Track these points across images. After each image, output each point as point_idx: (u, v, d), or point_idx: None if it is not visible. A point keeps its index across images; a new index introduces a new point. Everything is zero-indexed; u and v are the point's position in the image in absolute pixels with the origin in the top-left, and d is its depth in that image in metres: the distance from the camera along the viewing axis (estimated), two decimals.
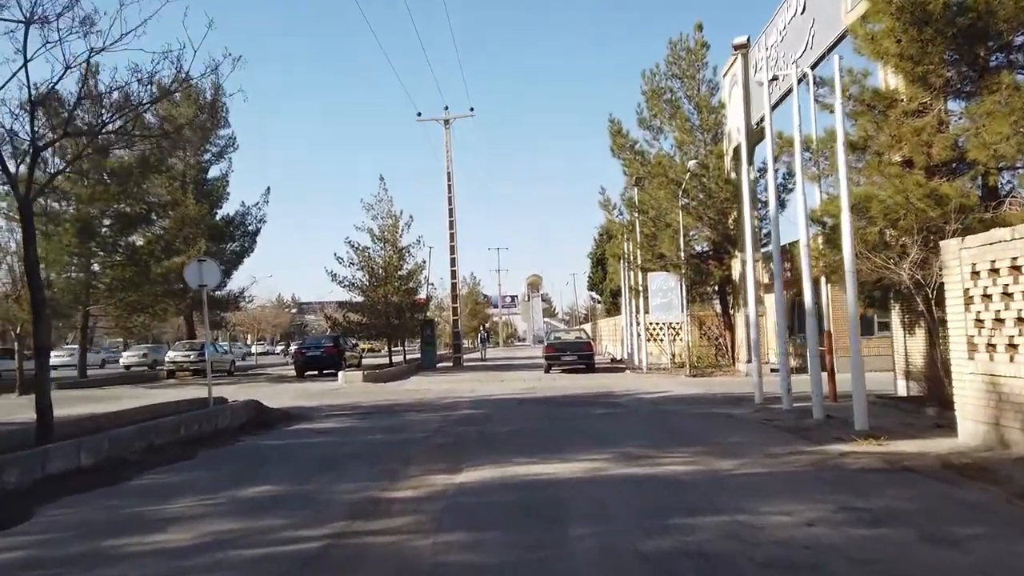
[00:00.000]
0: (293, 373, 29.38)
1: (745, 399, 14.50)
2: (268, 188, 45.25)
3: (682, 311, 24.36)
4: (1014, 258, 7.53)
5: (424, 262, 33.81)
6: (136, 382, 27.48)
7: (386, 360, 33.59)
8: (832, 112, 13.09)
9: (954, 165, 11.74)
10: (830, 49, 14.80)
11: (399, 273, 30.95)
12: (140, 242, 29.31)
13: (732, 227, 23.51)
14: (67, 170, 18.47)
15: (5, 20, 7.97)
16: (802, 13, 16.63)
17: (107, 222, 27.45)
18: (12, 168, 9.15)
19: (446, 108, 35.04)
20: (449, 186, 34.21)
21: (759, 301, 15.79)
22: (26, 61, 8.58)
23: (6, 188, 10.07)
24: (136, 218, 28.36)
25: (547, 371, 26.37)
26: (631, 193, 26.85)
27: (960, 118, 11.69)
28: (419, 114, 35.56)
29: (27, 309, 24.50)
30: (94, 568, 4.84)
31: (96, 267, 27.85)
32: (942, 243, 9.32)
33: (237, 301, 37.87)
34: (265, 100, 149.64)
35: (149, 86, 8.91)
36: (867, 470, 7.29)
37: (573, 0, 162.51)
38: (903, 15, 10.74)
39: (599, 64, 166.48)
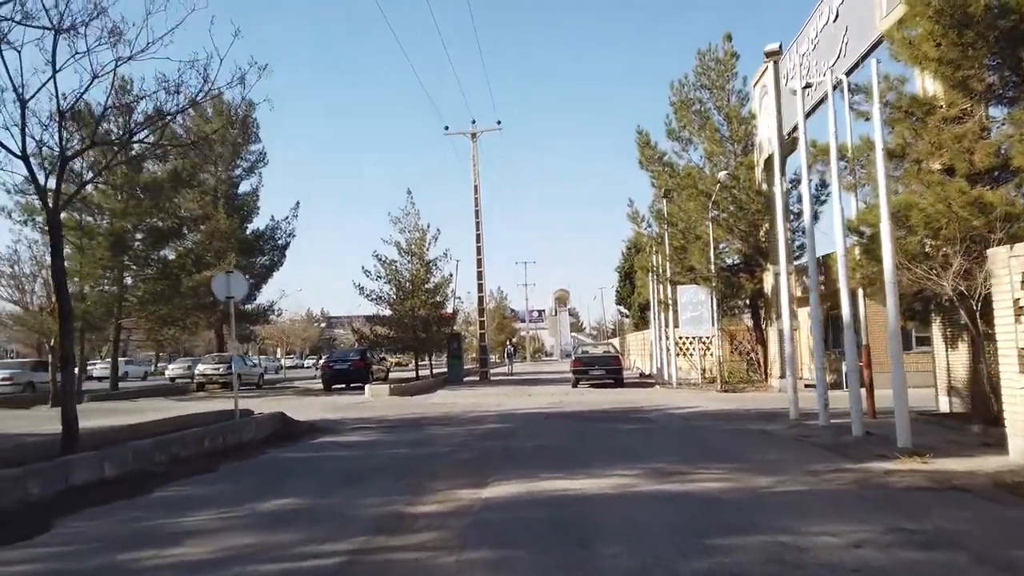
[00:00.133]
0: (320, 386, 29.40)
1: (779, 415, 14.09)
2: (297, 203, 45.82)
3: (713, 325, 23.94)
4: None
5: (451, 275, 33.78)
6: (166, 395, 27.68)
7: (413, 374, 33.50)
8: (868, 119, 12.77)
9: (997, 173, 11.34)
10: (864, 56, 14.47)
11: (426, 286, 30.88)
12: (171, 256, 29.66)
13: (764, 239, 23.10)
14: (95, 180, 18.68)
15: (34, 27, 8.00)
16: (835, 21, 16.33)
17: (139, 236, 27.80)
18: (41, 179, 9.17)
19: (473, 122, 35.14)
20: (476, 199, 34.19)
21: (792, 315, 15.38)
22: (55, 71, 8.64)
23: (39, 201, 10.07)
24: (168, 232, 28.70)
25: (575, 386, 26.05)
26: (660, 205, 26.54)
27: (1003, 124, 11.30)
28: (447, 128, 35.67)
29: (73, 322, 25.04)
30: None
31: (128, 280, 28.20)
32: (990, 251, 8.93)
33: (266, 314, 38.16)
34: (289, 108, 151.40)
35: (176, 95, 8.93)
36: (914, 489, 6.93)
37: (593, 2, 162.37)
38: (943, 18, 10.42)
39: (629, 73, 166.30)
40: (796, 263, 20.39)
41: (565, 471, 8.32)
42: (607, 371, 26.22)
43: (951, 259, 10.63)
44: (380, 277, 30.43)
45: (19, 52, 8.55)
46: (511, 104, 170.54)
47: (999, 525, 5.60)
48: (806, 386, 18.34)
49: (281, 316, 46.26)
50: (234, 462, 9.83)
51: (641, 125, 26.85)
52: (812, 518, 5.84)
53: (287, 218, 35.81)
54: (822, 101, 16.26)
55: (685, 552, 4.97)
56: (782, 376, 20.88)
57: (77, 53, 8.82)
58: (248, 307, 35.35)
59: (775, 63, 19.05)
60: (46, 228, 24.76)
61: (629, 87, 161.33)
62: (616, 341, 55.62)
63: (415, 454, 10.42)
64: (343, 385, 28.90)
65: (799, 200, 23.10)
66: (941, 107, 11.62)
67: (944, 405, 13.09)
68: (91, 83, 8.57)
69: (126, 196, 26.49)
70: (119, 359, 50.75)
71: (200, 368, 31.29)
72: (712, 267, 23.08)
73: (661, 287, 28.84)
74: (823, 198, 22.15)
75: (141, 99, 9.03)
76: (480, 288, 35.56)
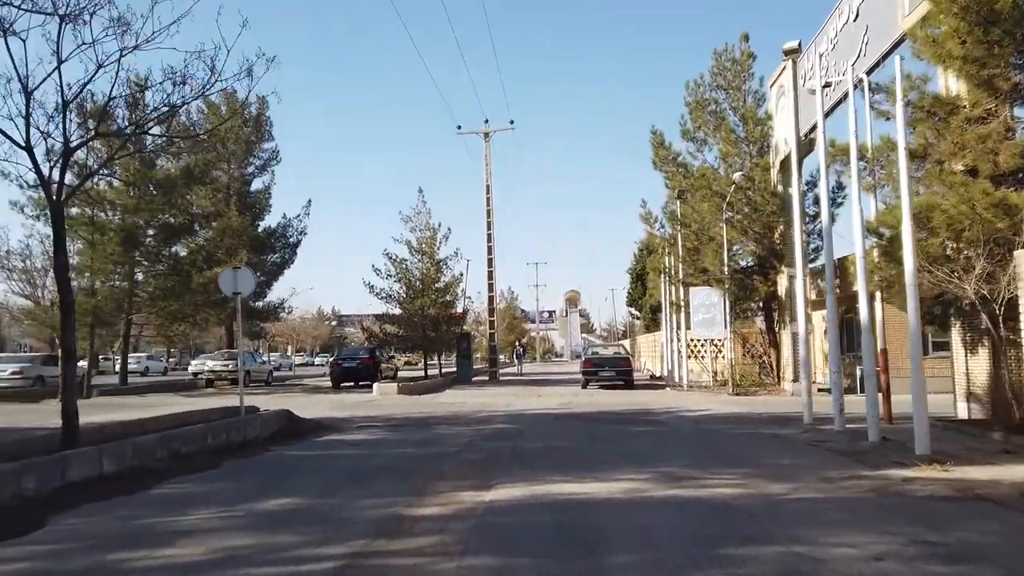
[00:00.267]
0: (329, 384, 29.33)
1: (793, 419, 13.82)
2: (309, 200, 45.61)
3: (725, 327, 23.65)
4: None
5: (461, 275, 33.60)
6: (176, 390, 27.66)
7: (422, 373, 33.38)
8: (888, 119, 12.49)
9: (1022, 175, 11.05)
10: (885, 56, 14.21)
11: (436, 285, 30.74)
12: (183, 252, 29.64)
13: (778, 241, 22.78)
14: (100, 173, 18.57)
15: (38, 12, 7.87)
16: (855, 20, 16.04)
17: (151, 232, 27.79)
18: (46, 171, 9.05)
19: (486, 121, 34.98)
20: (488, 199, 34.00)
21: (807, 318, 15.09)
22: (60, 61, 8.51)
23: (43, 193, 9.94)
24: (180, 228, 28.68)
25: (584, 387, 25.82)
26: (673, 206, 26.26)
27: None
28: (459, 127, 35.53)
29: (75, 316, 25.07)
30: None
31: (139, 276, 28.20)
32: (1016, 252, 8.65)
33: (276, 312, 38.11)
34: (294, 107, 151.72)
35: (182, 87, 8.78)
36: (935, 498, 6.66)
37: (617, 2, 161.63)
38: (968, 15, 10.15)
39: (642, 74, 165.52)
40: (811, 266, 20.09)
41: (573, 474, 8.11)
42: (617, 372, 25.98)
43: (973, 262, 10.35)
44: (390, 275, 30.36)
45: (24, 41, 8.45)
46: (518, 104, 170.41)
47: None
48: (819, 390, 18.03)
49: (291, 314, 46.34)
50: (237, 459, 9.68)
51: (656, 126, 26.46)
52: (829, 527, 5.60)
53: (299, 216, 35.78)
54: (840, 101, 15.99)
55: (697, 562, 4.75)
56: (795, 380, 20.58)
57: (83, 44, 8.71)
58: (258, 304, 35.30)
59: (793, 61, 18.76)
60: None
61: (636, 87, 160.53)
62: (627, 343, 55.29)
63: (420, 454, 10.23)
64: (352, 383, 28.82)
65: (814, 203, 22.82)
66: (964, 107, 11.34)
67: (962, 411, 12.79)
68: (96, 73, 8.44)
69: (138, 192, 26.47)
70: (141, 354, 51.33)
71: (209, 364, 31.28)
72: (725, 269, 22.79)
73: (673, 289, 28.56)
74: (839, 200, 21.85)
75: (146, 89, 8.89)
76: (490, 288, 35.39)
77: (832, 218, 18.90)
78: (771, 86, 23.08)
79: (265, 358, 42.60)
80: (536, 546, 5.25)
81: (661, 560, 4.83)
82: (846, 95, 14.16)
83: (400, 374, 34.82)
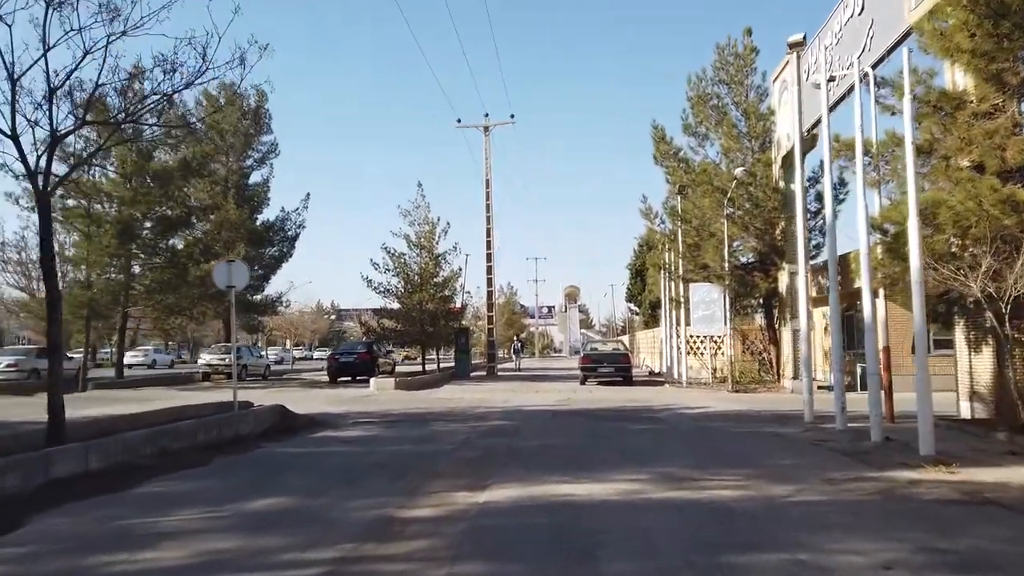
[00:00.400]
0: (327, 379, 29.16)
1: (793, 417, 13.64)
2: (308, 194, 45.26)
3: (725, 324, 23.45)
4: None
5: (460, 269, 33.35)
6: (172, 384, 27.48)
7: (420, 368, 33.19)
8: (893, 114, 12.28)
9: None
10: (890, 50, 13.99)
11: (434, 280, 30.48)
12: (180, 245, 29.39)
13: (779, 238, 22.57)
14: (90, 162, 18.31)
15: None
16: (860, 14, 15.80)
17: (148, 224, 27.57)
18: (33, 161, 8.84)
19: (486, 115, 34.68)
20: (487, 193, 33.75)
21: (808, 315, 14.89)
22: (47, 48, 8.30)
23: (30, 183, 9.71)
24: (177, 221, 28.44)
25: (583, 383, 25.64)
26: (674, 202, 26.02)
27: None
28: (459, 120, 35.29)
29: (66, 309, 24.78)
30: None
31: (136, 269, 27.98)
32: None
33: (274, 305, 37.88)
34: (293, 99, 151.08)
35: (172, 75, 8.56)
36: (943, 502, 6.47)
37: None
38: (978, 8, 9.93)
39: (642, 74, 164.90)
40: (812, 262, 19.89)
41: (570, 474, 7.92)
42: (616, 368, 25.80)
43: (980, 259, 10.15)
44: (388, 270, 30.10)
45: (10, 27, 8.23)
46: (519, 104, 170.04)
47: None
48: (819, 387, 17.86)
49: (289, 307, 46.08)
50: (227, 456, 9.49)
51: (658, 120, 26.14)
52: (834, 532, 5.41)
53: (297, 209, 35.48)
54: (844, 96, 15.75)
55: (698, 570, 4.56)
56: (795, 377, 20.40)
57: (71, 30, 8.50)
58: (256, 298, 35.09)
59: (797, 55, 18.51)
60: (51, 214, 24.72)
61: (636, 87, 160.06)
62: (626, 339, 55.14)
63: (415, 451, 10.04)
64: (349, 378, 28.66)
65: (816, 199, 22.62)
66: (971, 102, 11.14)
67: (965, 411, 12.61)
68: (83, 59, 8.22)
69: (135, 184, 26.24)
70: (148, 347, 51.23)
71: (206, 358, 31.14)
72: (726, 265, 22.58)
73: (673, 285, 28.35)
74: (841, 197, 21.58)
75: (135, 77, 8.67)
76: (489, 283, 35.15)
77: (835, 214, 18.70)
78: (774, 81, 22.82)
79: (263, 352, 42.42)
80: (531, 551, 5.06)
81: (660, 567, 4.65)
82: (850, 90, 13.94)
83: (400, 369, 34.66)
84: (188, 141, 28.05)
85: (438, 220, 30.97)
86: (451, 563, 4.73)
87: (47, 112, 8.57)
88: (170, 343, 59.65)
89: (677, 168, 25.32)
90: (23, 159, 8.55)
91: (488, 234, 33.66)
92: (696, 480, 7.57)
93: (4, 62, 8.22)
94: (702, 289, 24.03)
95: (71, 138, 11.86)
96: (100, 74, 8.29)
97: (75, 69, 8.29)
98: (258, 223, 34.68)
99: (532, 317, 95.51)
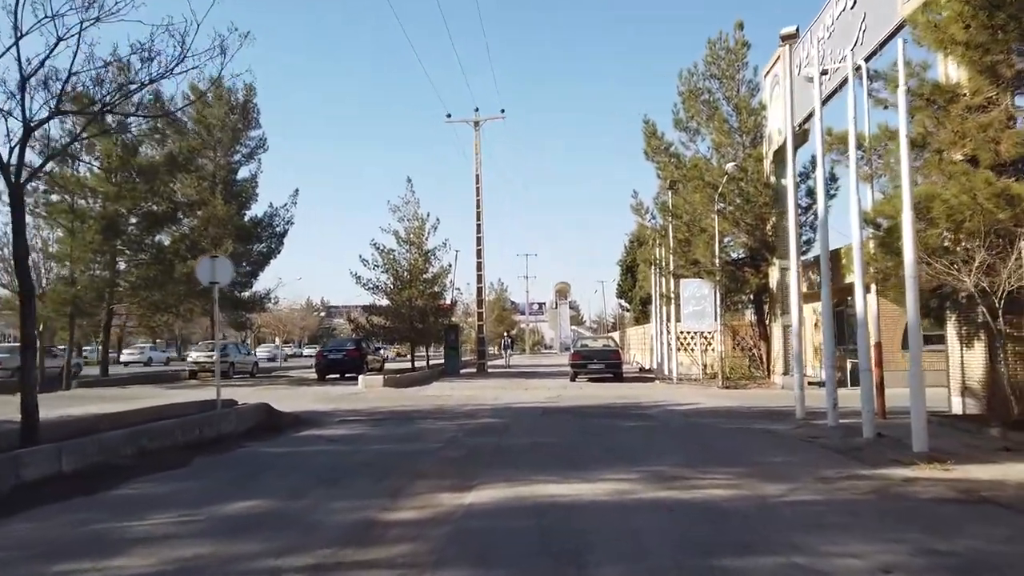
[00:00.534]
0: (315, 376, 28.89)
1: (784, 414, 13.52)
2: (296, 190, 44.90)
3: (715, 320, 23.35)
4: None
5: (450, 266, 33.12)
6: (158, 382, 27.16)
7: (409, 365, 32.95)
8: (886, 107, 12.14)
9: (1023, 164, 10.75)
10: (883, 43, 13.88)
11: (424, 276, 30.24)
12: (166, 241, 29.02)
13: (770, 233, 22.46)
14: (66, 153, 17.94)
15: None
16: (852, 7, 15.66)
17: (133, 220, 27.18)
18: (6, 153, 8.58)
19: (476, 110, 34.54)
20: (477, 188, 33.52)
21: (799, 311, 14.76)
22: (19, 36, 8.04)
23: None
24: (163, 217, 28.06)
25: (573, 379, 25.48)
26: (665, 197, 25.90)
27: None
28: (449, 115, 34.96)
29: (49, 307, 24.49)
30: None
31: (121, 265, 27.61)
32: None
33: (263, 302, 37.53)
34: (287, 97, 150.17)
35: (149, 63, 8.31)
36: (939, 501, 6.33)
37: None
38: None
39: (641, 74, 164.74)
40: (803, 258, 19.79)
41: (558, 473, 7.74)
42: (606, 365, 25.67)
43: (973, 254, 10.04)
44: (378, 266, 29.84)
45: None
46: (518, 104, 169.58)
47: None
48: (809, 383, 17.76)
49: (278, 304, 45.72)
50: (208, 456, 9.26)
51: (649, 116, 26.12)
52: (829, 534, 5.25)
53: (285, 205, 35.08)
54: (837, 90, 15.63)
55: (690, 574, 4.39)
56: (785, 373, 20.30)
57: (45, 17, 8.23)
58: (244, 295, 34.72)
59: (790, 48, 18.37)
60: (34, 209, 24.35)
61: (629, 87, 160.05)
62: (616, 335, 55.06)
63: (401, 450, 9.84)
64: (337, 375, 28.40)
65: (807, 194, 22.52)
66: (965, 95, 11.02)
67: (957, 406, 12.52)
68: (55, 47, 7.96)
69: (120, 179, 25.85)
70: (144, 344, 50.71)
71: (192, 355, 30.81)
72: (716, 261, 22.47)
73: (664, 280, 28.24)
74: (832, 192, 21.51)
75: (109, 65, 8.41)
76: (479, 279, 34.91)
77: (826, 209, 18.57)
78: (765, 76, 22.70)
79: (251, 349, 42.06)
80: (517, 554, 4.87)
81: (652, 571, 4.47)
82: (842, 83, 13.81)
83: (390, 366, 34.42)
84: (174, 135, 27.69)
85: (427, 216, 30.77)
86: (433, 569, 4.54)
87: (19, 102, 8.31)
88: (157, 340, 59.10)
89: (668, 163, 25.20)
90: None
91: (478, 230, 33.44)
92: (687, 479, 7.41)
93: None
94: (692, 285, 23.92)
95: (55, 132, 11.57)
96: (73, 62, 8.04)
97: (48, 57, 8.03)
98: (246, 219, 34.29)
99: (522, 314, 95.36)
